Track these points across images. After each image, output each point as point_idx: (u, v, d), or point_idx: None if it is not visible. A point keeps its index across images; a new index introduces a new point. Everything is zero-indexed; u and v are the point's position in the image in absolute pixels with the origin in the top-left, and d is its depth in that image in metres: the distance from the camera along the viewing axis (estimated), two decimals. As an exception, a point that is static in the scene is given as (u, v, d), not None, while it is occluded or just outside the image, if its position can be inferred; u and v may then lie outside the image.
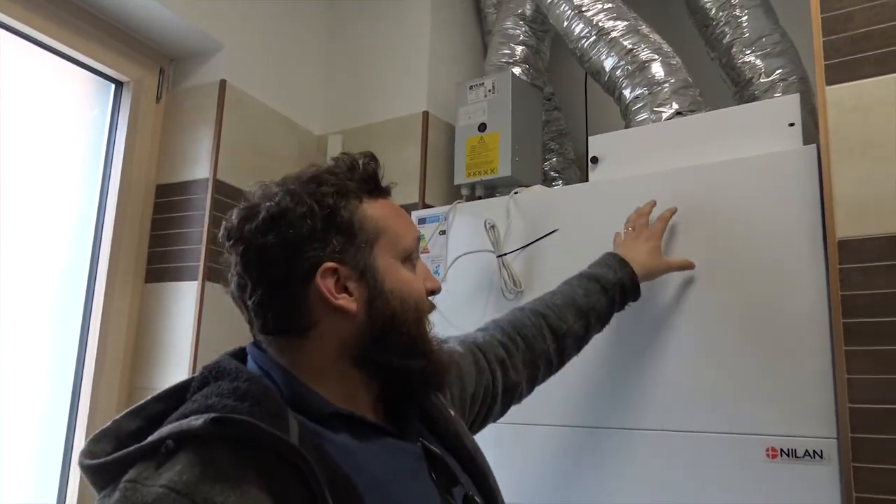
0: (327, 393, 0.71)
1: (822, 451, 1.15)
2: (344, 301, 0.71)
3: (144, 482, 0.56)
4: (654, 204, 1.34)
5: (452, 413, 0.85)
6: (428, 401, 0.82)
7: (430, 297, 0.78)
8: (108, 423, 0.67)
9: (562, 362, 1.15)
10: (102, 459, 0.61)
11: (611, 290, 1.18)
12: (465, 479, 0.78)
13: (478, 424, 1.02)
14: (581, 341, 1.17)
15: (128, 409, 0.69)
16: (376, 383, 0.76)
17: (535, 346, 1.08)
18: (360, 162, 0.76)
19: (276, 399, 0.66)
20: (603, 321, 1.20)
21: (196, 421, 0.59)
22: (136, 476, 0.57)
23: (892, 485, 1.06)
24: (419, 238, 0.78)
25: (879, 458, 1.08)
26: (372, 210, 0.74)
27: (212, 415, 0.59)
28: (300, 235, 0.70)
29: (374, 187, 0.77)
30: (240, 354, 0.76)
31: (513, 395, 1.06)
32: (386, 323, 0.72)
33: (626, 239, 1.31)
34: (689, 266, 1.30)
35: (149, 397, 0.70)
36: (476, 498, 0.74)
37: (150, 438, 0.60)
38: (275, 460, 0.59)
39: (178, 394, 0.70)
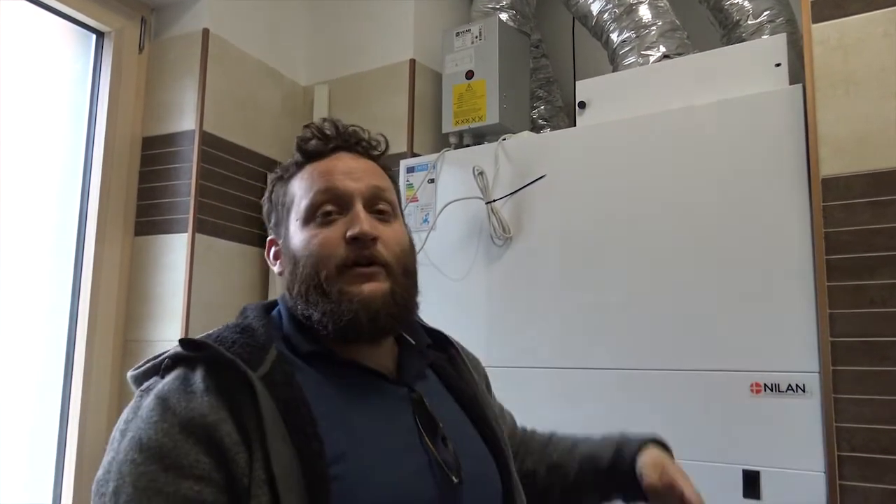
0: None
1: (804, 385, 1.18)
2: (276, 266, 0.86)
3: (150, 391, 0.71)
4: None
5: (478, 383, 0.90)
6: (448, 361, 0.90)
7: (353, 243, 0.77)
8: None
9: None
10: (137, 371, 0.77)
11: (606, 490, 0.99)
12: (471, 433, 0.83)
13: None
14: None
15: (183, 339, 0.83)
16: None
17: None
18: (300, 136, 0.85)
19: (265, 334, 0.78)
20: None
21: (182, 345, 0.74)
22: (147, 385, 0.73)
23: (871, 414, 1.10)
24: (329, 190, 0.79)
25: (858, 389, 1.11)
26: (297, 181, 0.83)
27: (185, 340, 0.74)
28: (265, 214, 0.89)
29: (313, 153, 0.83)
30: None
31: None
32: (290, 279, 0.81)
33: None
34: None
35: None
36: (449, 444, 0.77)
37: (158, 358, 0.75)
38: (241, 380, 0.70)
39: None
